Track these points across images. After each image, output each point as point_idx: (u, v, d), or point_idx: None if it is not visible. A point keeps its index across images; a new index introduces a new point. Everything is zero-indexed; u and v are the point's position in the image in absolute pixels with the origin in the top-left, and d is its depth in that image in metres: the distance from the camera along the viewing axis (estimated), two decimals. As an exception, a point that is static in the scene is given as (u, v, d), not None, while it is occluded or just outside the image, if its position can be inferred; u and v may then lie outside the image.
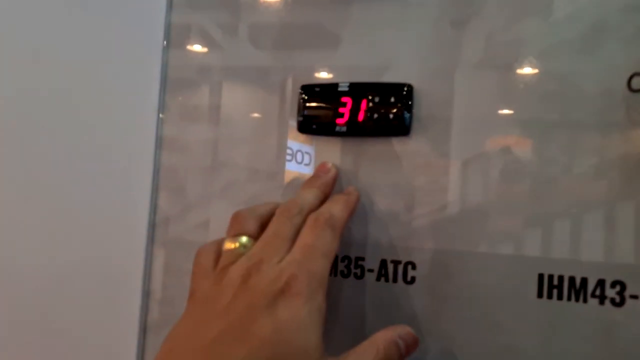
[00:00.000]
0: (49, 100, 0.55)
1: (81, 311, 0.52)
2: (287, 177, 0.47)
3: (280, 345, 0.30)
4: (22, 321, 0.54)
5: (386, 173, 0.44)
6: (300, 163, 0.47)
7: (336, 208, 0.39)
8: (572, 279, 0.38)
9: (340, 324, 0.44)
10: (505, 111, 0.41)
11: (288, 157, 0.47)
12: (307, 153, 0.47)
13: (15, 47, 0.56)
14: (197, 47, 0.52)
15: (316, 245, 0.35)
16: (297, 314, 0.32)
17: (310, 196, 0.40)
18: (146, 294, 0.51)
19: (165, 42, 0.52)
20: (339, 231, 0.37)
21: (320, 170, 0.43)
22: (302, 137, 0.47)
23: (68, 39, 0.55)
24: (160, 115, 0.52)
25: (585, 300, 0.38)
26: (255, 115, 0.49)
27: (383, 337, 0.35)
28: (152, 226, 0.51)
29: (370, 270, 0.44)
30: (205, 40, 0.51)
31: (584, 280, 0.38)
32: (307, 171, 0.46)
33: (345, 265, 0.44)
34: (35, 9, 0.56)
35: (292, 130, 0.47)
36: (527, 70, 0.41)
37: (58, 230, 0.53)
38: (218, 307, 0.33)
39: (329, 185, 0.42)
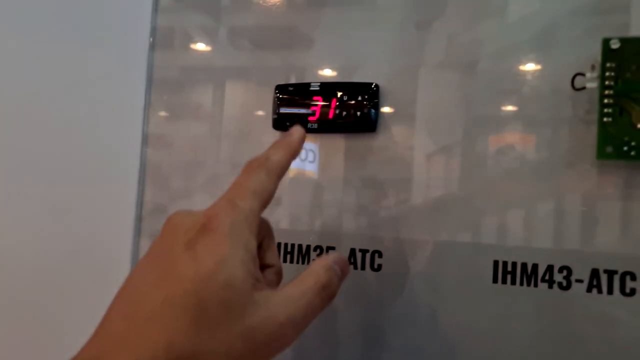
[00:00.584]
0: (36, 99, 0.58)
1: (70, 304, 0.55)
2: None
3: (202, 281, 0.29)
4: (11, 315, 0.57)
5: (355, 167, 0.47)
6: (304, 160, 0.49)
7: (274, 152, 0.36)
8: (524, 265, 0.41)
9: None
10: (465, 108, 0.44)
11: None
12: (310, 150, 0.49)
13: (3, 48, 0.59)
14: (180, 49, 0.55)
15: (245, 185, 0.33)
16: (217, 249, 0.30)
17: (274, 152, 0.36)
18: (134, 283, 0.54)
19: (150, 44, 0.55)
20: (275, 173, 0.35)
21: (287, 133, 0.39)
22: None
23: (56, 40, 0.58)
24: (146, 113, 0.55)
25: (535, 285, 0.41)
26: (234, 111, 0.52)
27: (321, 264, 0.34)
28: (139, 219, 0.54)
29: (340, 258, 0.46)
30: (188, 41, 0.54)
31: (535, 266, 0.41)
32: (312, 168, 0.49)
33: (317, 254, 0.47)
34: (22, 9, 0.59)
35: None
36: (484, 70, 0.43)
37: (47, 224, 0.56)
38: (150, 255, 0.33)
39: (294, 144, 0.38)
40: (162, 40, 0.55)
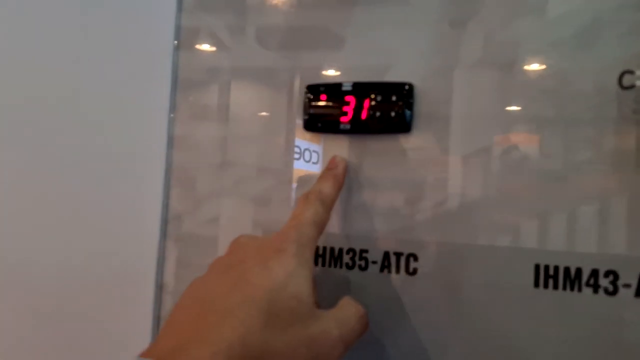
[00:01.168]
0: (62, 102, 0.57)
1: (97, 305, 0.54)
2: (296, 175, 0.49)
3: (275, 290, 0.33)
4: (40, 316, 0.56)
5: (389, 168, 0.46)
6: (309, 161, 0.49)
7: (325, 185, 0.42)
8: (567, 269, 0.40)
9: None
10: (503, 108, 0.43)
11: (296, 156, 0.49)
12: (314, 151, 0.49)
13: (29, 50, 0.59)
14: (206, 48, 0.54)
15: (305, 215, 0.39)
16: (287, 265, 0.35)
17: (325, 185, 0.43)
18: (159, 287, 0.53)
19: (175, 44, 0.54)
20: (329, 204, 0.41)
21: (331, 164, 0.45)
22: (309, 135, 0.48)
23: (80, 42, 0.57)
24: (171, 115, 0.54)
25: (579, 290, 0.39)
26: (264, 114, 0.51)
27: (352, 300, 0.39)
28: (165, 222, 0.53)
29: (374, 262, 0.45)
30: (213, 41, 0.53)
31: (579, 271, 0.39)
32: (315, 169, 0.48)
33: (350, 258, 0.46)
34: (48, 12, 0.58)
35: (300, 129, 0.49)
36: (523, 69, 0.42)
37: (74, 228, 0.55)
38: (221, 266, 0.37)
39: (340, 176, 0.44)
40: (187, 40, 0.54)
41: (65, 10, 0.58)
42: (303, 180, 0.49)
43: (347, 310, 0.38)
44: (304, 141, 0.49)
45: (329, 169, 0.45)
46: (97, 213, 0.55)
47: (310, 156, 0.49)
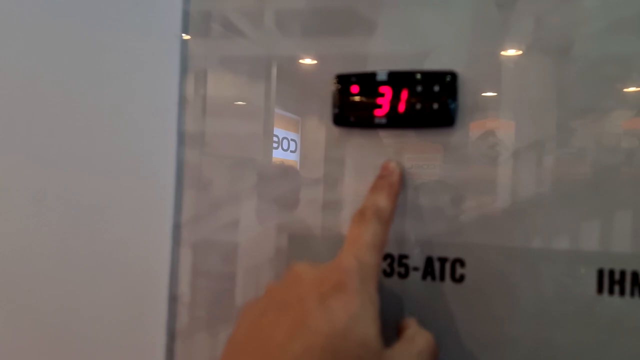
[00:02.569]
0: (66, 99, 0.52)
1: (105, 319, 0.50)
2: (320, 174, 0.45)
3: (337, 338, 0.30)
4: (49, 326, 0.51)
5: (430, 166, 0.41)
6: (287, 150, 0.46)
7: (380, 198, 0.38)
8: (634, 274, 0.36)
9: (384, 326, 0.42)
10: (558, 98, 0.39)
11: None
12: (292, 140, 0.46)
13: (31, 44, 0.53)
14: (218, 36, 0.49)
15: (363, 238, 0.35)
16: (349, 305, 0.31)
17: (380, 198, 0.38)
18: (173, 299, 0.48)
19: (183, 31, 0.49)
20: (387, 220, 0.37)
21: (384, 170, 0.41)
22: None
23: (85, 34, 0.51)
24: (182, 110, 0.49)
25: (649, 296, 0.36)
26: (284, 106, 0.46)
27: (421, 330, 0.37)
28: (178, 227, 0.49)
29: (416, 269, 0.41)
30: (227, 28, 0.48)
31: (648, 275, 0.36)
32: (294, 158, 0.45)
33: (388, 264, 0.42)
34: (51, 4, 0.53)
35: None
36: (580, 54, 0.38)
37: (79, 234, 0.50)
38: (277, 301, 0.34)
39: (396, 185, 0.40)
40: (196, 26, 0.49)
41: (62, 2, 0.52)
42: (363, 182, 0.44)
43: (418, 344, 0.34)
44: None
45: (382, 176, 0.40)
46: (104, 219, 0.50)
47: (288, 145, 0.45)
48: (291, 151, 0.46)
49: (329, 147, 0.44)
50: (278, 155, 0.46)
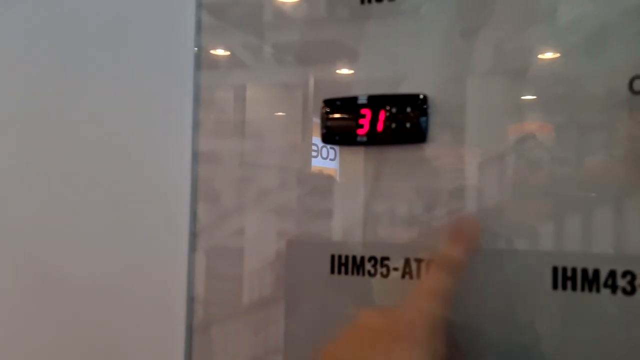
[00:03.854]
0: (93, 123, 0.60)
1: (131, 317, 0.57)
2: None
3: None
4: (76, 327, 0.59)
5: (407, 178, 0.47)
6: (326, 158, 0.50)
7: (458, 249, 0.39)
8: (584, 271, 0.41)
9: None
10: (516, 115, 0.44)
11: (314, 154, 0.50)
12: (332, 149, 0.50)
13: (52, 69, 0.61)
14: (225, 68, 0.56)
15: (434, 288, 0.36)
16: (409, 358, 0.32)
17: (456, 250, 0.39)
18: (190, 298, 0.55)
19: (195, 64, 0.56)
20: (458, 272, 0.38)
21: (461, 224, 0.42)
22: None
23: (107, 66, 0.59)
24: (195, 132, 0.56)
25: (598, 290, 0.40)
26: (281, 127, 0.53)
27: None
28: (193, 235, 0.55)
29: (396, 269, 0.47)
30: (232, 60, 0.55)
31: (596, 272, 0.40)
32: (333, 166, 0.50)
33: (372, 265, 0.48)
34: (70, 33, 0.61)
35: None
36: (535, 75, 0.43)
37: (107, 243, 0.58)
38: (344, 350, 0.36)
39: (474, 241, 0.41)
40: (207, 60, 0.56)
41: (91, 35, 0.60)
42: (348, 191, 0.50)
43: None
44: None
45: (462, 229, 0.41)
46: (129, 228, 0.57)
47: (327, 154, 0.50)
48: (330, 159, 0.50)
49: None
50: (318, 163, 0.50)
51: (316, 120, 0.50)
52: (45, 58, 0.62)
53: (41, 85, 0.62)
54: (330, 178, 0.50)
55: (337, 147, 0.50)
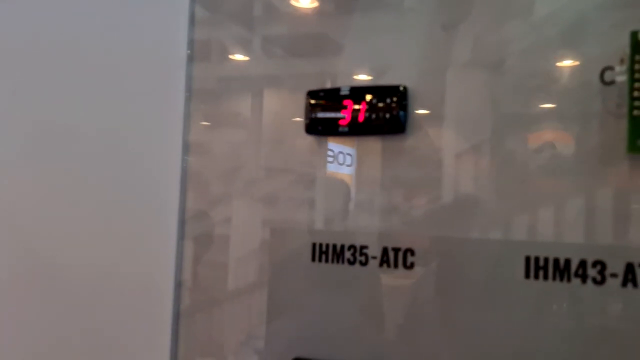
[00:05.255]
0: (84, 114, 0.61)
1: (120, 301, 0.58)
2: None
3: None
4: (65, 311, 0.60)
5: (386, 168, 0.48)
6: (343, 164, 0.51)
7: None
8: (556, 260, 0.41)
9: (351, 308, 0.48)
10: (493, 107, 0.44)
11: (330, 159, 0.51)
12: (348, 154, 0.51)
13: (45, 62, 0.63)
14: (217, 60, 0.57)
15: None
16: None
17: None
18: (178, 284, 0.57)
19: (188, 56, 0.57)
20: None
21: None
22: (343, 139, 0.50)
23: (99, 57, 0.61)
24: (187, 123, 0.57)
25: (569, 280, 0.41)
26: (270, 118, 0.54)
27: None
28: (182, 223, 0.57)
29: (374, 257, 0.48)
30: (224, 52, 0.57)
31: (568, 261, 0.41)
32: (349, 172, 0.50)
33: (352, 254, 0.48)
34: (63, 24, 0.63)
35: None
36: (511, 68, 0.44)
37: (97, 230, 0.60)
38: None
39: None
40: (199, 52, 0.57)
41: (84, 26, 0.62)
42: (329, 180, 0.51)
43: None
44: (337, 144, 0.51)
45: None
46: (119, 216, 0.59)
47: (344, 159, 0.51)
48: (347, 165, 0.50)
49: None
50: (334, 168, 0.50)
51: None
52: (36, 51, 0.64)
53: (34, 79, 0.64)
54: (314, 168, 0.51)
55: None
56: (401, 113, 0.47)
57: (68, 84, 0.62)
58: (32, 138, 0.64)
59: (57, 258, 0.62)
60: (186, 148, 0.57)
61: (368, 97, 0.48)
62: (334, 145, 0.50)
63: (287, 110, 0.53)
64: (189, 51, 0.57)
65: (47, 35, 0.64)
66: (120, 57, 0.60)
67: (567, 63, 0.42)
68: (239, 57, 0.56)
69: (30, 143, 0.64)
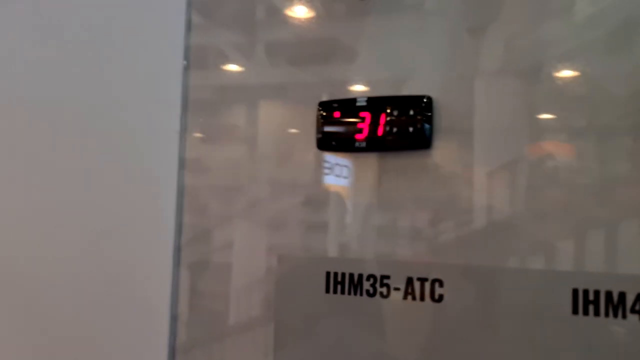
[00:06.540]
0: (76, 126, 0.56)
1: (110, 335, 0.52)
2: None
3: None
4: (56, 345, 0.55)
5: (409, 187, 0.43)
6: (339, 176, 0.46)
7: None
8: (609, 294, 0.36)
9: (371, 347, 0.43)
10: (530, 118, 0.40)
11: (326, 171, 0.46)
12: (345, 166, 0.46)
13: (38, 74, 0.58)
14: (215, 68, 0.52)
15: None
16: None
17: None
18: (174, 317, 0.51)
19: (184, 64, 0.52)
20: None
21: None
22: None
23: (92, 66, 0.56)
24: (183, 136, 0.52)
25: (624, 316, 0.36)
26: (273, 132, 0.49)
27: None
28: (178, 249, 0.51)
29: (397, 289, 0.42)
30: (223, 60, 0.52)
31: (622, 295, 0.36)
32: (345, 184, 0.46)
33: (371, 284, 0.43)
34: (56, 35, 0.57)
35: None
36: (549, 75, 0.39)
37: (87, 257, 0.54)
38: None
39: None
40: (196, 60, 0.52)
41: (79, 34, 0.57)
42: (344, 202, 0.46)
43: None
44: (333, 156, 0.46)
45: None
46: (109, 240, 0.53)
47: (340, 171, 0.46)
48: (344, 177, 0.46)
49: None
50: (331, 181, 0.46)
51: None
52: (31, 56, 0.59)
53: (25, 86, 0.59)
54: (324, 188, 0.46)
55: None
56: (426, 126, 0.42)
57: (57, 92, 0.57)
58: (17, 153, 0.58)
59: (39, 283, 0.56)
60: (182, 164, 0.52)
61: (388, 109, 0.43)
62: (348, 162, 0.45)
63: (292, 122, 0.48)
64: (185, 61, 0.52)
65: (37, 42, 0.58)
66: (111, 65, 0.55)
67: (613, 69, 0.37)
68: (238, 65, 0.51)
69: (17, 158, 0.58)
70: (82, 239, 0.54)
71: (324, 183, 0.46)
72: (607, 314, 0.36)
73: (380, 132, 0.43)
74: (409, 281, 0.42)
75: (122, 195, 0.53)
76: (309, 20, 0.48)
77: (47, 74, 0.57)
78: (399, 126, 0.42)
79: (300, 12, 0.48)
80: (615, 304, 0.36)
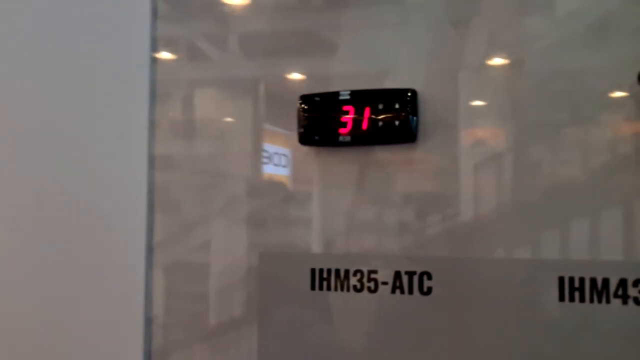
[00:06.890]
0: (40, 124, 0.52)
1: (82, 342, 0.50)
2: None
3: None
4: (23, 354, 0.51)
5: (395, 181, 0.42)
6: (278, 165, 0.46)
7: None
8: (593, 280, 0.37)
9: (359, 343, 0.43)
10: (514, 112, 0.40)
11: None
12: (283, 155, 0.46)
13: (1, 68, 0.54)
14: (185, 60, 0.50)
15: None
16: None
17: None
18: (149, 320, 0.49)
19: (151, 56, 0.49)
20: None
21: None
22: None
23: (53, 58, 0.52)
24: (152, 133, 0.49)
25: (608, 301, 0.37)
26: (249, 126, 0.47)
27: None
28: (150, 249, 0.49)
29: (385, 283, 0.42)
30: (193, 52, 0.49)
31: (606, 281, 0.37)
32: (285, 173, 0.45)
33: (358, 280, 0.43)
34: (18, 27, 0.53)
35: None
36: (532, 69, 0.40)
37: (55, 259, 0.50)
38: None
39: None
40: (164, 51, 0.50)
41: (38, 23, 0.53)
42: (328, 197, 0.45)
43: None
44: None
45: None
46: (78, 242, 0.50)
47: (279, 160, 0.46)
48: (282, 166, 0.45)
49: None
50: (271, 170, 0.46)
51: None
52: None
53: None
54: (307, 183, 0.45)
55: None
56: (412, 119, 0.41)
57: (18, 87, 0.53)
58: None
59: (7, 290, 0.52)
60: (152, 161, 0.49)
61: (372, 103, 0.42)
62: (330, 158, 0.45)
63: (268, 117, 0.47)
64: (151, 51, 0.49)
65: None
66: (73, 58, 0.51)
67: (595, 63, 0.38)
68: (211, 56, 0.49)
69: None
70: (49, 240, 0.51)
71: (309, 179, 0.45)
72: (592, 300, 0.37)
73: (364, 125, 0.42)
74: (397, 275, 0.42)
75: (90, 194, 0.50)
76: (286, 10, 0.46)
77: (4, 66, 0.53)
78: (384, 120, 0.42)
79: (276, 2, 0.47)
80: (600, 290, 0.37)
